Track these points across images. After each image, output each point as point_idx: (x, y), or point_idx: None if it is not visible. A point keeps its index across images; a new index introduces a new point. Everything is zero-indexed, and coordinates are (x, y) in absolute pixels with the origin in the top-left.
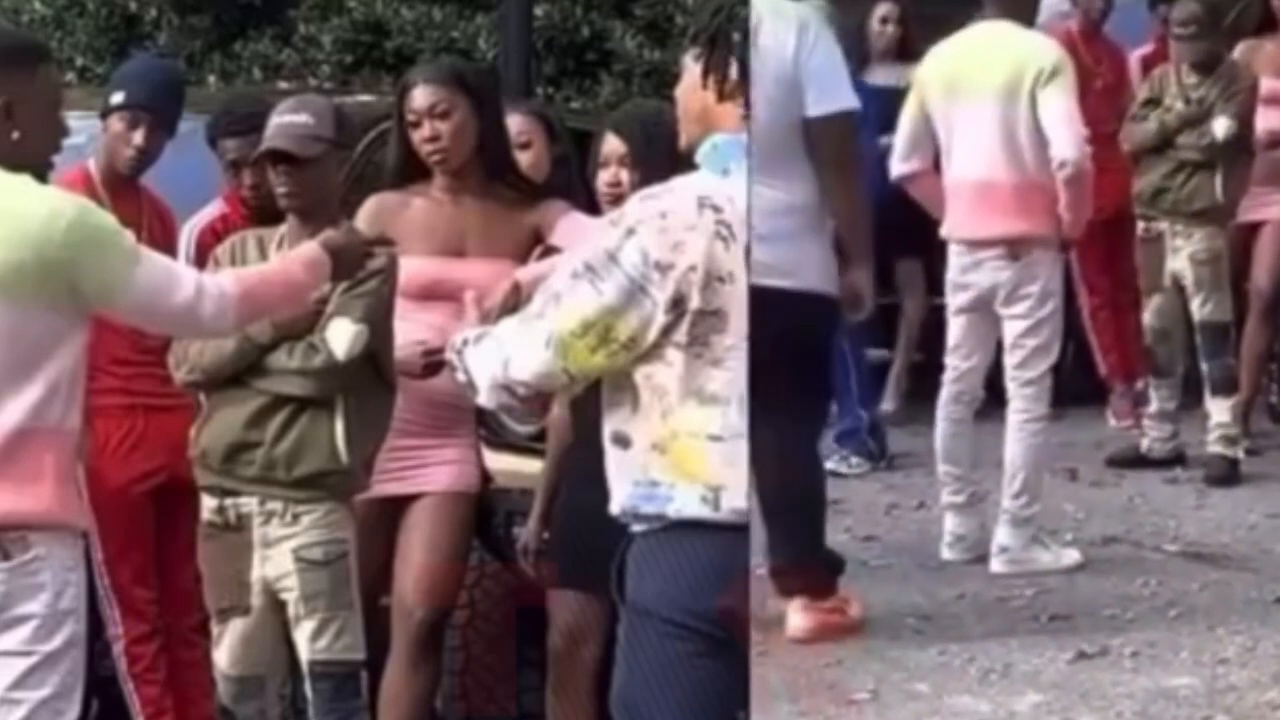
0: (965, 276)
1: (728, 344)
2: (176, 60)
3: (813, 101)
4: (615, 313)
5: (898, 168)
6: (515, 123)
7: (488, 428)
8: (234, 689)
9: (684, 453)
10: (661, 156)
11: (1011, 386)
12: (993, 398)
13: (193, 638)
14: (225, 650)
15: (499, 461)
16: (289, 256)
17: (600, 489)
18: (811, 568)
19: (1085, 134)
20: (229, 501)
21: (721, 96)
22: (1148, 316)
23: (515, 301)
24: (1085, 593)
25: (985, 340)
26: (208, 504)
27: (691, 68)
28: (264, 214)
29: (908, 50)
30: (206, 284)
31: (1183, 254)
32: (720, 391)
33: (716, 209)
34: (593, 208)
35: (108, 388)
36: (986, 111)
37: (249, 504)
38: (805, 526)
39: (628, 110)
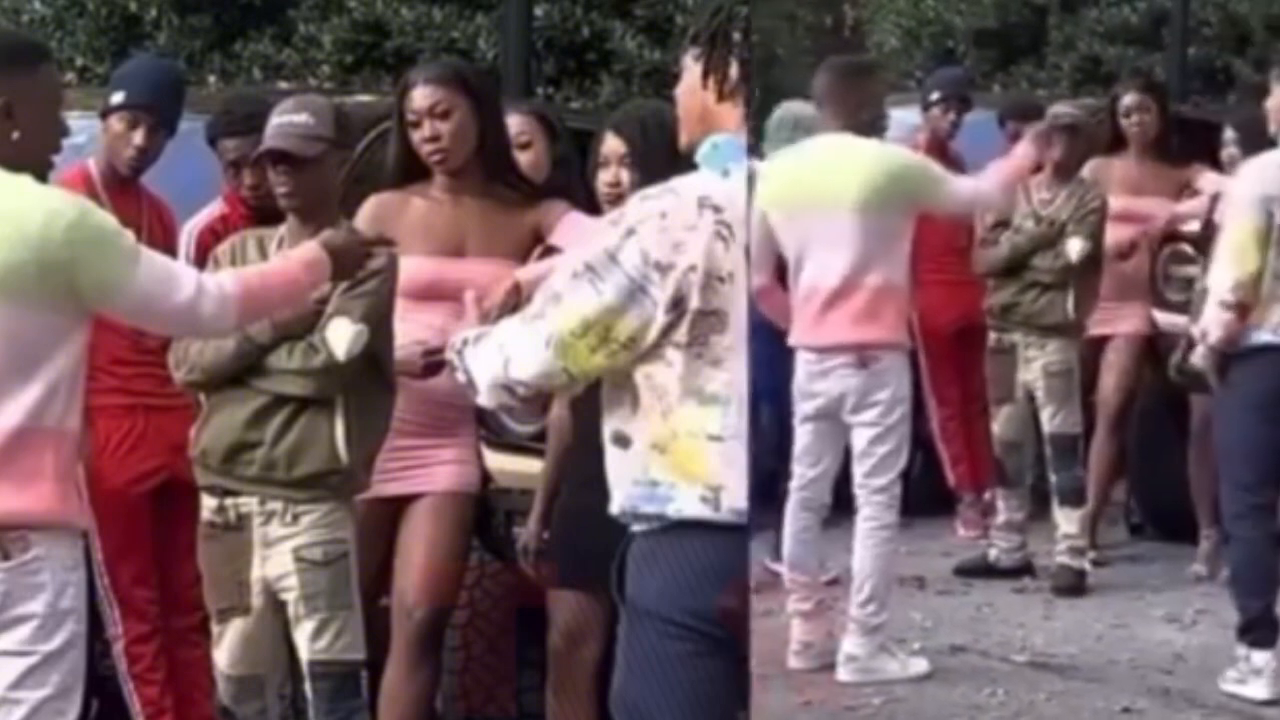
0: (813, 384)
1: (727, 344)
2: (176, 60)
3: None
4: (615, 313)
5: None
6: (515, 123)
7: (488, 428)
8: (234, 689)
9: (684, 453)
10: (661, 156)
11: (860, 494)
12: (840, 505)
13: (193, 638)
14: (225, 650)
15: (499, 461)
16: (289, 256)
17: (600, 489)
18: None
19: (989, 190)
20: (229, 501)
21: (721, 96)
22: (997, 427)
23: (515, 301)
24: (933, 702)
25: (833, 447)
26: (208, 504)
27: (691, 68)
28: (264, 214)
29: None
30: (206, 284)
31: (1034, 365)
32: (720, 391)
33: (716, 209)
34: (593, 208)
35: (108, 388)
36: (840, 222)
37: (249, 504)
38: None
39: (628, 110)
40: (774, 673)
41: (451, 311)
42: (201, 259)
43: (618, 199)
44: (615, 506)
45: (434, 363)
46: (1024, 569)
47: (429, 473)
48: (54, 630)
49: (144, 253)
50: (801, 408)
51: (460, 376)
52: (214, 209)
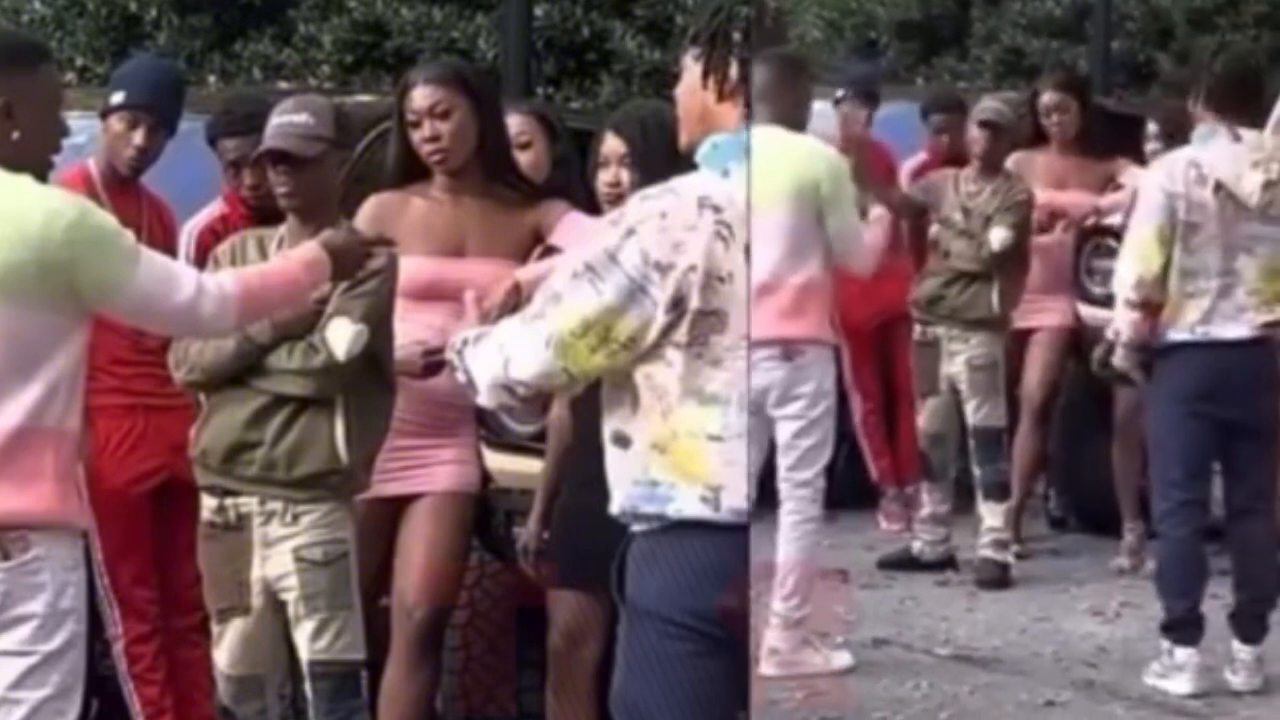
0: None
1: (727, 344)
2: (176, 60)
3: None
4: (615, 313)
5: None
6: (515, 123)
7: (488, 428)
8: (234, 689)
9: (684, 452)
10: (661, 156)
11: (784, 488)
12: (764, 499)
13: (193, 638)
14: (225, 650)
15: (499, 461)
16: (289, 256)
17: (600, 489)
18: None
19: (877, 245)
20: (229, 501)
21: (721, 96)
22: (922, 420)
23: (515, 301)
24: (856, 695)
25: (757, 441)
26: (208, 504)
27: (691, 68)
28: (264, 214)
29: None
30: (206, 284)
31: (959, 359)
32: (720, 391)
33: (716, 209)
34: (593, 208)
35: (108, 388)
36: (767, 216)
37: (249, 504)
38: None
39: (628, 110)
40: None
41: (451, 311)
42: (201, 259)
43: (618, 199)
44: (615, 506)
45: (434, 363)
46: (947, 562)
47: (429, 473)
48: (54, 630)
49: (144, 253)
50: None
51: (460, 376)
52: (214, 209)
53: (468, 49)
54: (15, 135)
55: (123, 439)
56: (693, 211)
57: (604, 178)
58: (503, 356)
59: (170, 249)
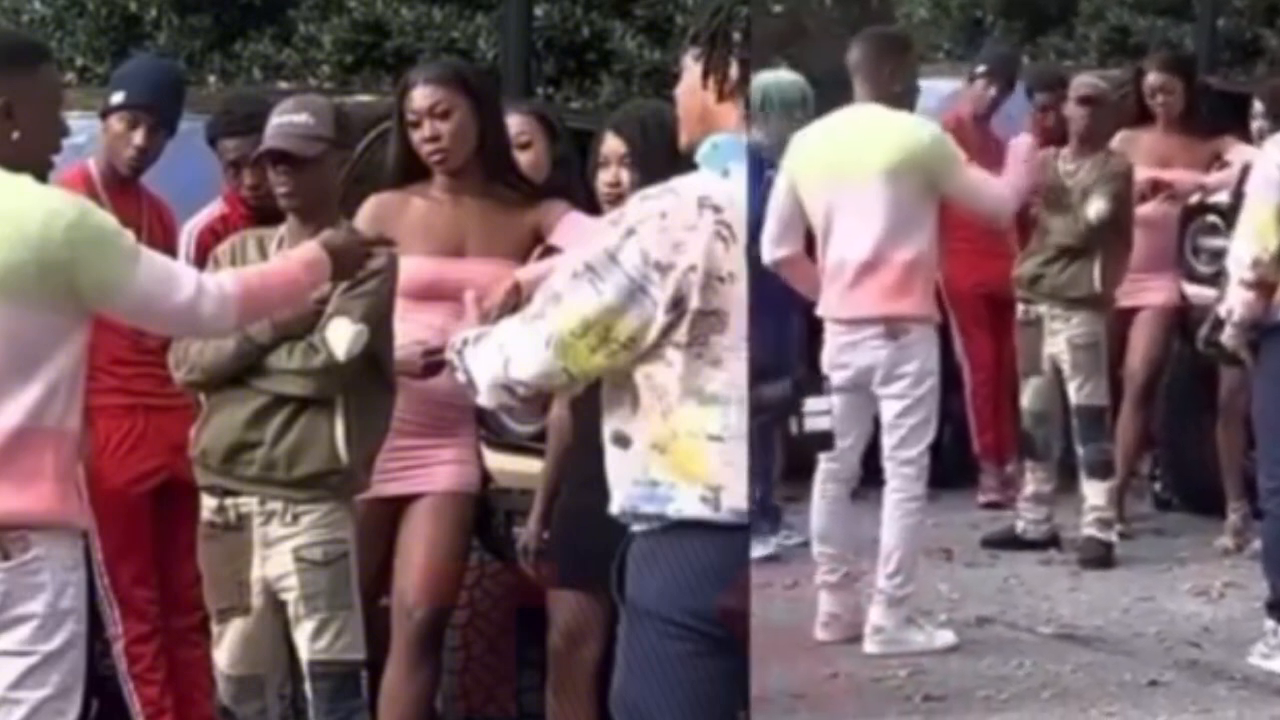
0: (842, 355)
1: (727, 344)
2: (176, 60)
3: None
4: (615, 313)
5: (771, 253)
6: (515, 123)
7: (488, 428)
8: (234, 689)
9: (684, 452)
10: (661, 156)
11: (888, 466)
12: (869, 477)
13: (193, 638)
14: (225, 650)
15: (499, 461)
16: (289, 256)
17: (600, 489)
18: None
19: (1004, 189)
20: (229, 501)
21: (721, 96)
22: (1025, 399)
23: (515, 301)
24: (959, 674)
25: (862, 419)
26: (208, 504)
27: (691, 68)
28: (264, 214)
29: None
30: (206, 284)
31: (1061, 338)
32: (720, 391)
33: (716, 209)
34: (593, 208)
35: (108, 388)
36: (869, 193)
37: (249, 504)
38: None
39: (628, 110)
40: (801, 645)
41: (451, 311)
42: (201, 259)
43: (618, 199)
44: (615, 506)
45: (434, 363)
46: (1051, 541)
47: (429, 473)
48: (54, 630)
49: (144, 253)
50: (831, 379)
51: (460, 376)
52: (214, 209)
53: (468, 49)
54: (15, 135)
55: (123, 439)
56: (693, 211)
57: (604, 178)
58: (503, 356)
59: (170, 249)
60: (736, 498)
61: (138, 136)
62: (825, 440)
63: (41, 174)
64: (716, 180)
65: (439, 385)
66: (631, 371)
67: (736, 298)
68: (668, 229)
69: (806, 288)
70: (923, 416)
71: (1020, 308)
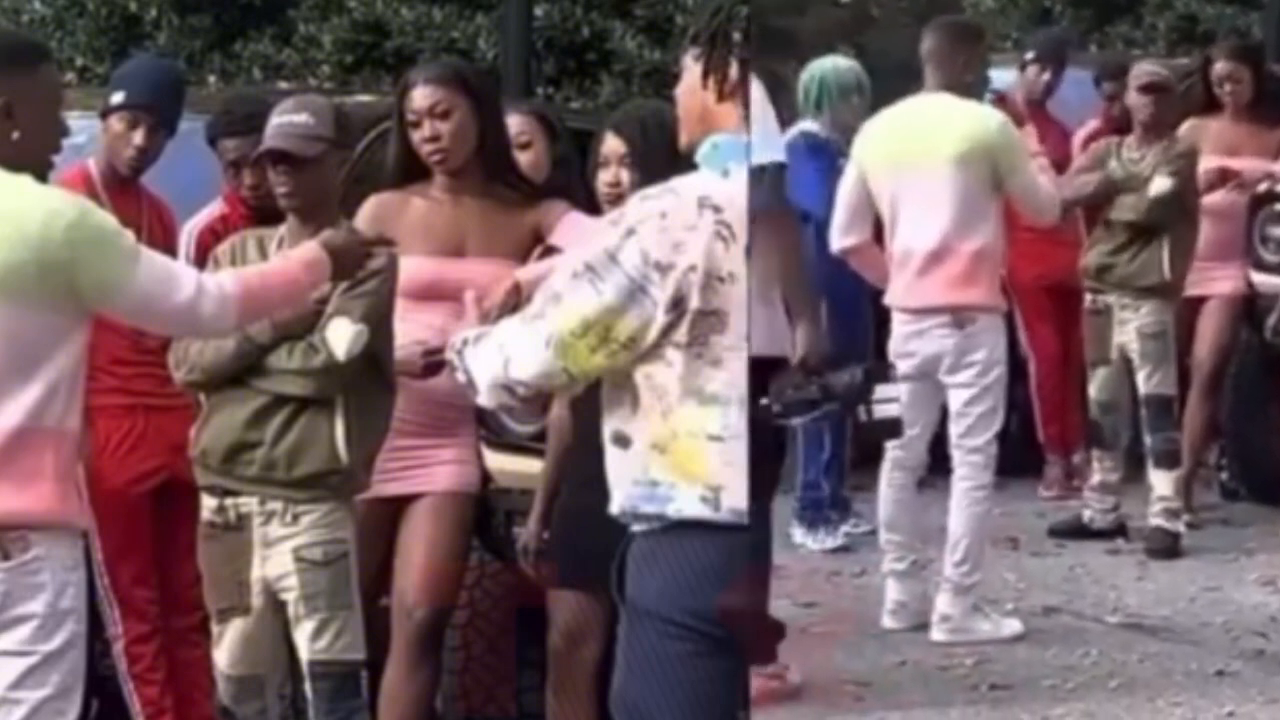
0: (909, 344)
1: (727, 344)
2: (176, 60)
3: None
4: (615, 313)
5: (839, 241)
6: (515, 123)
7: (488, 428)
8: (234, 689)
9: (684, 452)
10: (661, 156)
11: (955, 455)
12: (937, 466)
13: (193, 638)
14: (225, 650)
15: (499, 461)
16: (289, 256)
17: (600, 489)
18: (753, 634)
19: (1056, 194)
20: (229, 501)
21: (721, 96)
22: (1093, 389)
23: (515, 301)
24: (1026, 662)
25: (929, 408)
26: (208, 504)
27: (691, 68)
28: (264, 214)
29: None
30: (206, 284)
31: (1130, 327)
32: (720, 391)
33: (716, 209)
34: (593, 208)
35: (108, 388)
36: (936, 182)
37: (249, 504)
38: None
39: (628, 110)
40: (868, 633)
41: (451, 311)
42: (201, 259)
43: (618, 199)
44: (615, 506)
45: (434, 363)
46: (1118, 531)
47: (429, 473)
48: (54, 630)
49: (144, 253)
50: (897, 368)
51: (460, 376)
52: (214, 209)
53: (468, 49)
54: (15, 135)
55: (123, 439)
56: (693, 211)
57: (604, 178)
58: (503, 356)
59: (170, 249)
60: (736, 498)
61: (138, 136)
62: (894, 428)
63: (41, 174)
64: (716, 180)
65: (439, 385)
66: (631, 371)
67: (736, 298)
68: (668, 229)
69: (875, 276)
70: (990, 405)
71: (1088, 297)
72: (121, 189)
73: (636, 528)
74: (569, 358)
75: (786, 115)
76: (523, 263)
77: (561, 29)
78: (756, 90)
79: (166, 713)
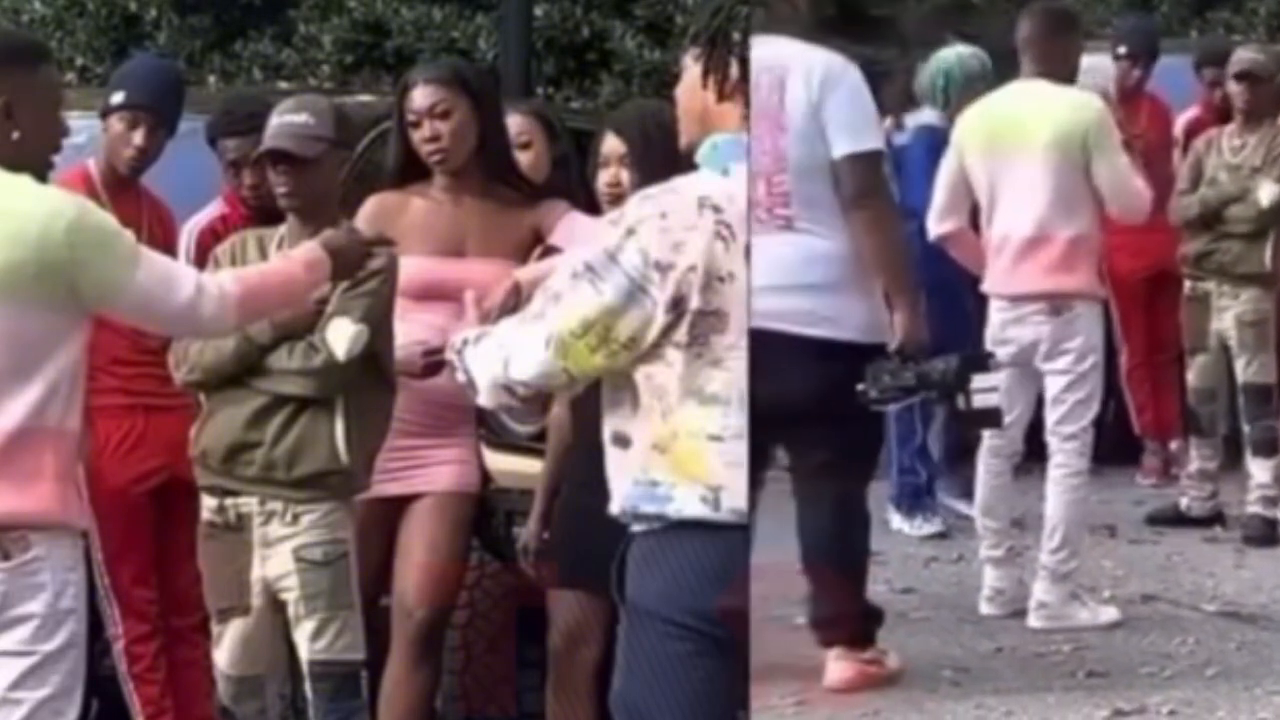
0: (1006, 331)
1: (728, 344)
2: (176, 60)
3: (835, 144)
4: (615, 313)
5: (936, 227)
6: (515, 123)
7: (488, 428)
8: (234, 689)
9: (684, 453)
10: (661, 156)
11: (1052, 441)
12: (1033, 453)
13: (193, 638)
14: (225, 650)
15: (499, 461)
16: (289, 256)
17: (600, 489)
18: (851, 619)
19: (1144, 191)
20: (229, 501)
21: (721, 96)
22: (1191, 376)
23: (515, 301)
24: (1123, 650)
25: (1026, 395)
26: (208, 504)
27: (691, 68)
28: (264, 214)
29: None
30: (206, 284)
31: (1229, 315)
32: (720, 391)
33: (717, 209)
34: (593, 208)
35: (108, 388)
36: (1033, 168)
37: (249, 504)
38: (846, 578)
39: (628, 110)
40: (965, 619)
41: (451, 311)
42: (201, 259)
43: (618, 199)
44: (615, 506)
45: (434, 363)
46: (1215, 518)
47: (429, 473)
48: (54, 630)
49: (144, 253)
50: (996, 356)
51: (460, 376)
52: (214, 209)
53: (468, 49)
54: (15, 135)
55: (123, 439)
56: (693, 211)
57: (604, 178)
58: (503, 356)
59: (170, 249)
60: (736, 497)
61: (138, 136)
62: (994, 417)
63: (41, 174)
64: (717, 180)
65: (439, 385)
66: (631, 372)
67: (737, 297)
68: (668, 229)
69: (971, 263)
70: (1087, 392)
71: (1187, 284)
72: (121, 189)
73: (636, 528)
74: (569, 358)
75: (890, 104)
76: (523, 263)
77: (561, 29)
78: (854, 77)
79: (166, 713)
